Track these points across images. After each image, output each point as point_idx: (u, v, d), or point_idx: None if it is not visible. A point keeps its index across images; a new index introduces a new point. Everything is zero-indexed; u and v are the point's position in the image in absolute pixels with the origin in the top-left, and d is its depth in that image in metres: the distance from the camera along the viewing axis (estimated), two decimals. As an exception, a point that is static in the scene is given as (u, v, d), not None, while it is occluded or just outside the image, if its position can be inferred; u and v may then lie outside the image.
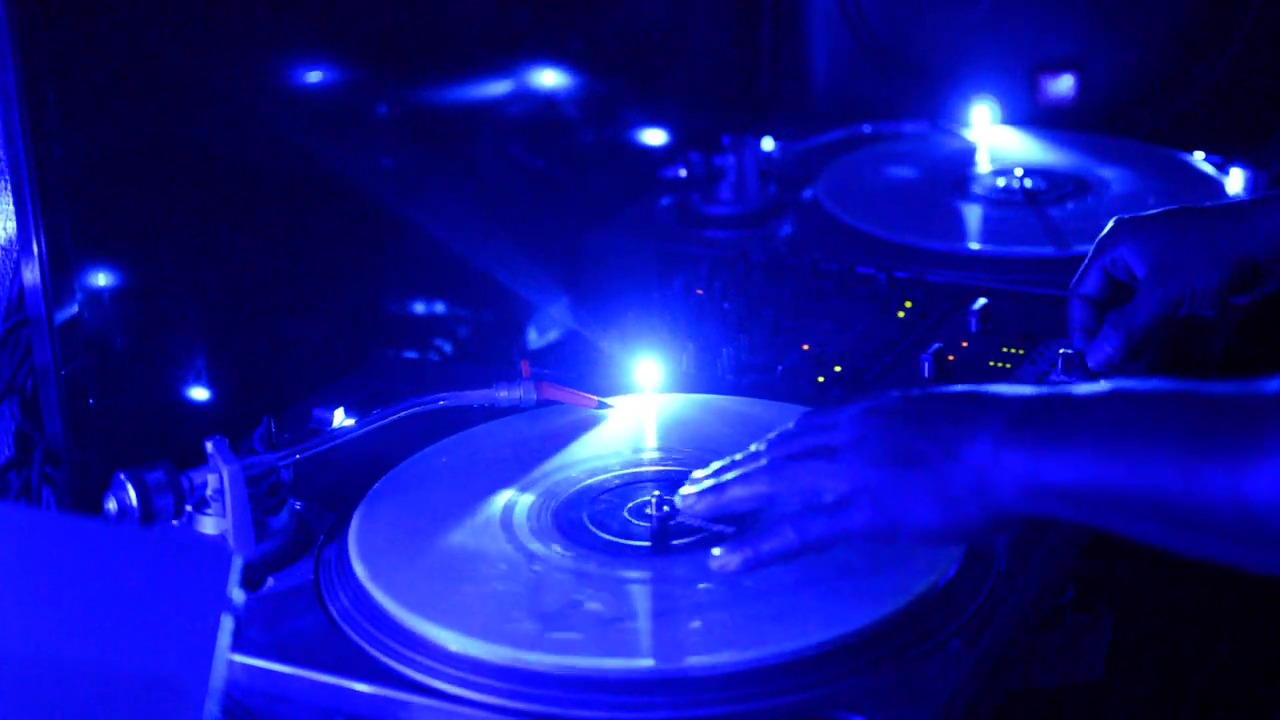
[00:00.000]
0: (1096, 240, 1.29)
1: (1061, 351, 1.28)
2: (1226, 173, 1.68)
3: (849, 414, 0.95)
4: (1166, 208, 1.28)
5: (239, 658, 0.97)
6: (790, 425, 0.99)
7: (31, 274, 1.13)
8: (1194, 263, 1.23)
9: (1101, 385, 0.87)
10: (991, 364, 1.33)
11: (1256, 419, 0.79)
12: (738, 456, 1.00)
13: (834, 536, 0.94)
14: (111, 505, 1.02)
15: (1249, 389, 0.81)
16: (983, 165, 1.77)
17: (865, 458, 0.92)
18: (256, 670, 0.98)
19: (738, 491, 0.98)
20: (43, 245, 1.13)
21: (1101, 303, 1.29)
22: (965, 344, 1.37)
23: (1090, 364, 1.26)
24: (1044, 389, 0.90)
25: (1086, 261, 1.29)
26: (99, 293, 1.18)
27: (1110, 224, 1.30)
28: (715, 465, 1.01)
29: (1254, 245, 1.22)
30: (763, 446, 0.99)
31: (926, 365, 1.31)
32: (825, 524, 0.93)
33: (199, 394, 1.28)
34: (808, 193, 1.74)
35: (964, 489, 0.89)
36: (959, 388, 0.93)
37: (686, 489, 1.01)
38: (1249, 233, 1.23)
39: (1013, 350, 1.35)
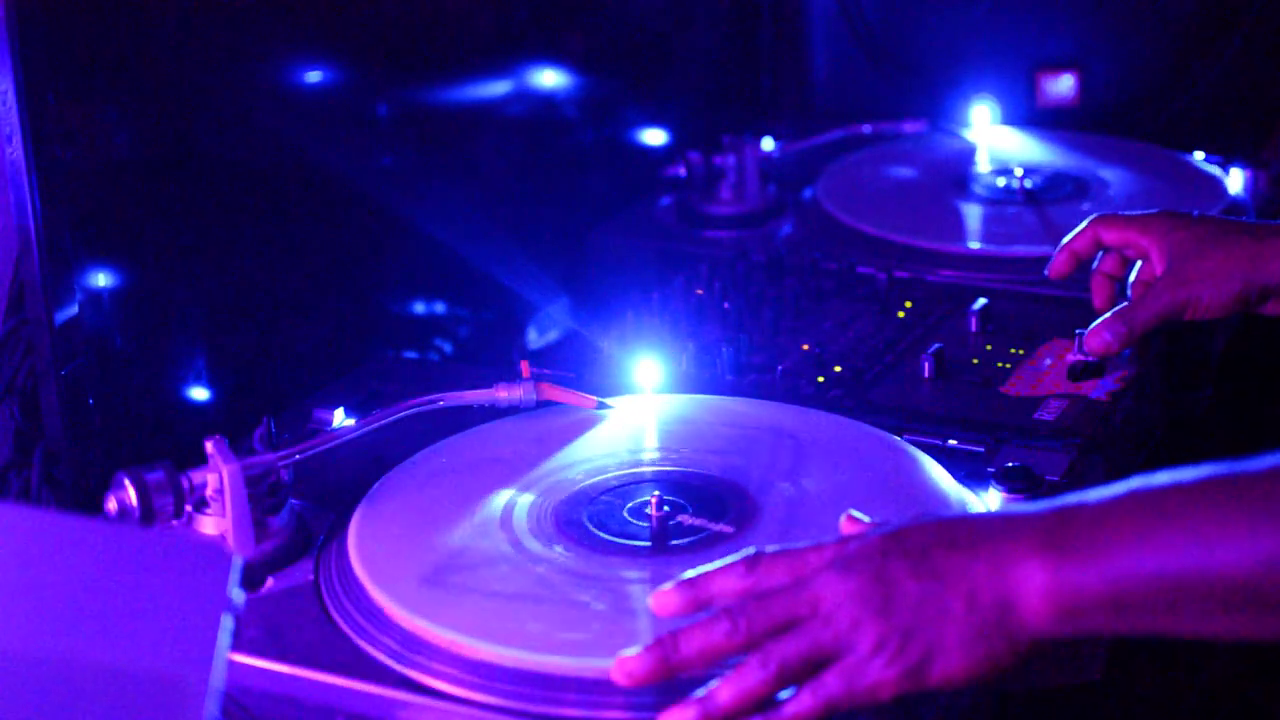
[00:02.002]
0: (1140, 215, 1.29)
1: (1077, 331, 1.28)
2: (1227, 173, 1.68)
3: (827, 571, 0.86)
4: (1200, 212, 1.28)
5: (239, 658, 0.97)
6: (744, 577, 0.88)
7: (31, 274, 1.13)
8: (1210, 275, 1.23)
9: (1116, 488, 0.83)
10: (992, 364, 1.33)
11: None
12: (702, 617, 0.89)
13: (856, 706, 0.85)
14: (111, 505, 1.02)
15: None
16: (983, 165, 1.77)
17: (873, 616, 0.84)
18: (256, 670, 0.98)
19: (726, 696, 0.86)
20: (43, 245, 1.13)
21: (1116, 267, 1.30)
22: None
23: (1087, 346, 1.25)
24: (1048, 503, 0.84)
25: (1121, 219, 1.29)
26: (99, 293, 1.18)
27: (1156, 211, 1.29)
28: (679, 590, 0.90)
29: (1268, 269, 1.23)
30: (727, 619, 0.87)
31: (926, 365, 1.31)
32: (844, 690, 0.84)
33: (199, 394, 1.28)
34: (808, 193, 1.74)
35: (987, 624, 0.82)
36: (948, 515, 0.87)
37: (664, 597, 0.91)
38: (1268, 256, 1.23)
39: (1013, 350, 1.35)
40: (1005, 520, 0.85)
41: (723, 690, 0.86)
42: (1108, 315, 1.26)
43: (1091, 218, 1.30)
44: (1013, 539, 0.83)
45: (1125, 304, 1.26)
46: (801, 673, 0.85)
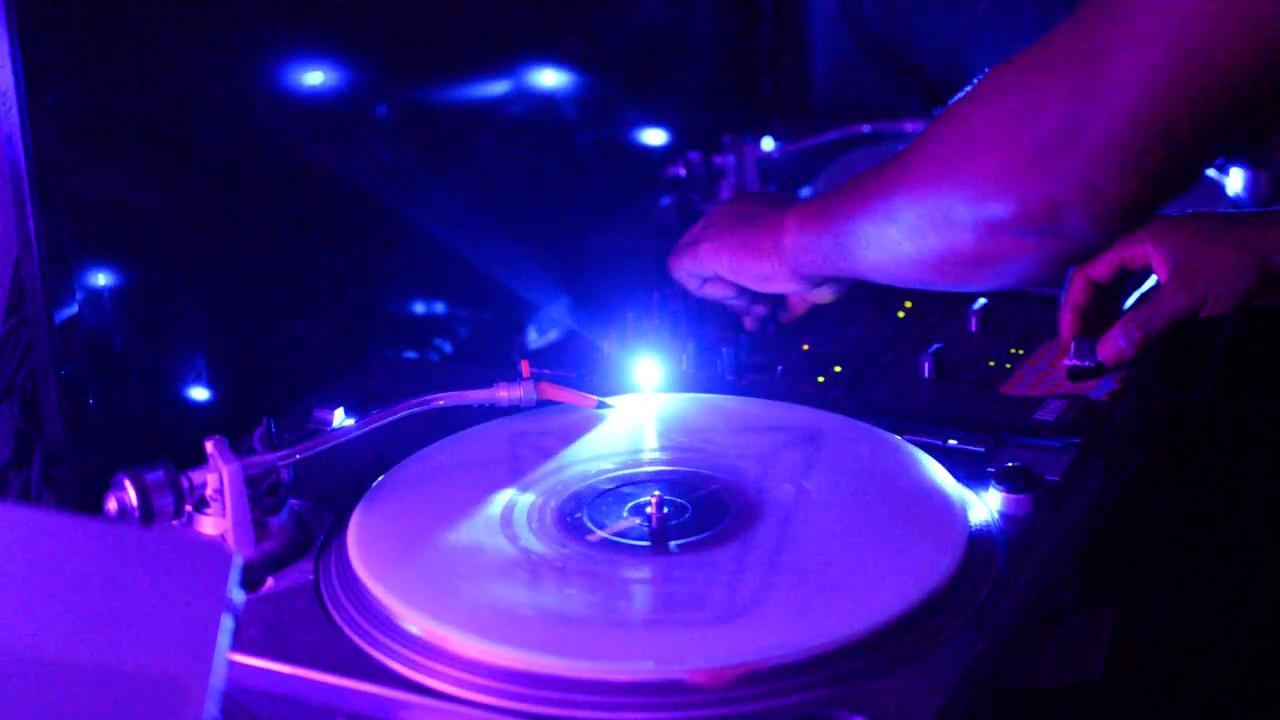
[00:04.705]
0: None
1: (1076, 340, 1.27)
2: (1226, 173, 1.67)
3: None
4: (1193, 210, 1.28)
5: (239, 658, 0.97)
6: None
7: (31, 274, 1.13)
8: (1219, 268, 1.23)
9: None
10: (991, 364, 1.33)
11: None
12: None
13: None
14: (111, 505, 1.02)
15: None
16: (983, 165, 1.77)
17: (713, 224, 1.33)
18: (256, 670, 0.98)
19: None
20: (43, 245, 1.13)
21: (1104, 287, 1.29)
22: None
23: (1100, 355, 1.24)
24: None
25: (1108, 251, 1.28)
26: (99, 293, 1.18)
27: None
28: None
29: (1278, 251, 1.23)
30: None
31: (926, 365, 1.31)
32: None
33: (199, 394, 1.28)
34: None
35: (765, 245, 1.25)
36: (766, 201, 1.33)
37: None
38: (1276, 238, 1.23)
39: (1013, 350, 1.35)
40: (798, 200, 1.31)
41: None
42: (1120, 322, 1.25)
43: (1072, 271, 1.30)
44: (792, 210, 1.24)
45: (1135, 308, 1.25)
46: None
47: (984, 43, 1.96)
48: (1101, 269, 1.28)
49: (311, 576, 1.06)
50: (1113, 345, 1.24)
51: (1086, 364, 1.23)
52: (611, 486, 1.13)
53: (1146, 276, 1.29)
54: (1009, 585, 1.02)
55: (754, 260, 1.26)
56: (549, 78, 1.67)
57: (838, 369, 1.33)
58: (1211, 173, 1.70)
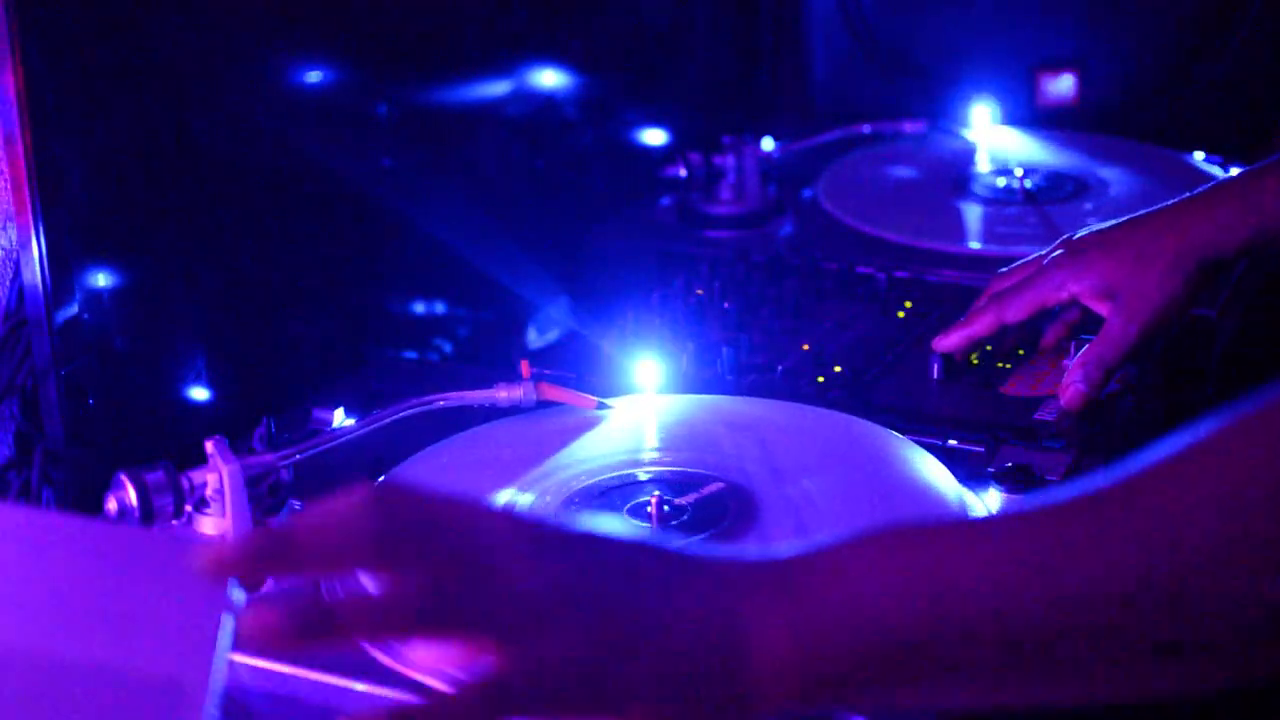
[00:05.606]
0: (1039, 270, 1.26)
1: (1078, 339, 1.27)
2: (1226, 173, 1.68)
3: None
4: (1112, 222, 1.26)
5: (239, 658, 0.97)
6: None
7: (31, 274, 1.13)
8: (1157, 279, 1.20)
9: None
10: (997, 365, 1.33)
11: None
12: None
13: None
14: (111, 505, 1.02)
15: None
16: (983, 165, 1.77)
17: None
18: (256, 670, 0.98)
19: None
20: (43, 245, 1.13)
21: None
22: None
23: (1064, 403, 1.22)
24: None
25: (1023, 289, 1.26)
26: (99, 293, 1.18)
27: (1055, 250, 1.27)
28: None
29: (1211, 239, 1.19)
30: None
31: (936, 366, 1.31)
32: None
33: (199, 394, 1.28)
34: (808, 193, 1.74)
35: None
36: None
37: None
38: (1209, 225, 1.20)
39: (1014, 351, 1.35)
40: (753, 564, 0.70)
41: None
42: (1076, 364, 1.22)
43: (989, 297, 1.29)
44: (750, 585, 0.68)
45: (1089, 349, 1.23)
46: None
47: (984, 43, 1.96)
48: (1018, 311, 1.27)
49: (311, 576, 1.06)
50: (1075, 390, 1.22)
51: (1051, 417, 1.22)
52: (612, 487, 1.13)
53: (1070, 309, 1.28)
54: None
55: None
56: (549, 78, 1.67)
57: (838, 369, 1.33)
58: (1213, 171, 1.70)
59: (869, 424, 1.20)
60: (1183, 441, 0.69)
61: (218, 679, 0.76)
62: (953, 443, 1.18)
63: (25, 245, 1.13)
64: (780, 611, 0.66)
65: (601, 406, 1.23)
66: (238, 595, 0.79)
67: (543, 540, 0.69)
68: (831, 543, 0.69)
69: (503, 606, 0.66)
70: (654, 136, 1.86)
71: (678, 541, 0.74)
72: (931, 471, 1.12)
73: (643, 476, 1.14)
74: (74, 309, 1.16)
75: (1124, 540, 0.66)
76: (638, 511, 1.08)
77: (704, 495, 1.10)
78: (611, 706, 0.66)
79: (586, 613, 0.66)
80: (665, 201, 1.75)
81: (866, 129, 1.84)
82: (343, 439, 1.13)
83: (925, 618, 0.66)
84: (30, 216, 1.12)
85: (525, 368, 1.21)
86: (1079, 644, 0.66)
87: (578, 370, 1.33)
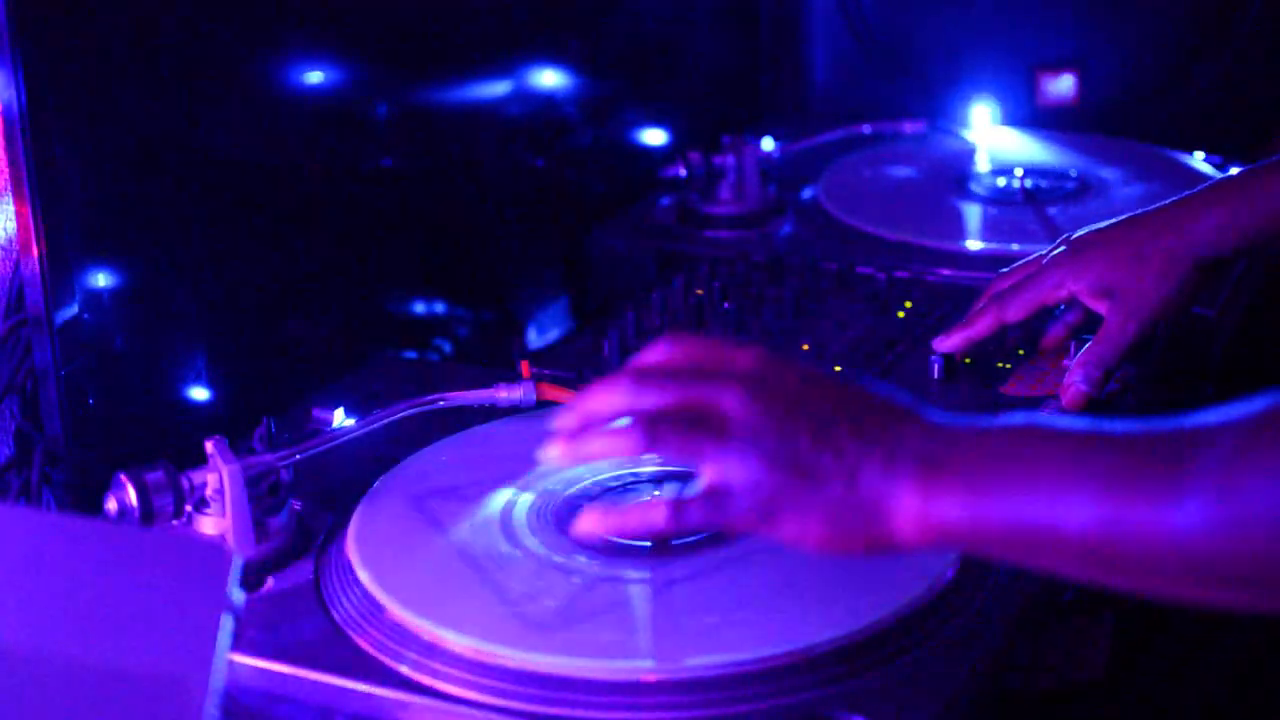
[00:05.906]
0: (1038, 270, 1.27)
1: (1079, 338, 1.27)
2: (1226, 173, 1.67)
3: (741, 385, 0.85)
4: (1111, 221, 1.27)
5: (239, 658, 0.97)
6: (658, 356, 0.89)
7: (31, 274, 1.13)
8: (1155, 278, 1.20)
9: (1017, 419, 0.83)
10: (997, 365, 1.33)
11: (1177, 455, 0.76)
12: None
13: (709, 528, 0.95)
14: (111, 505, 1.02)
15: (1169, 426, 0.78)
16: (982, 165, 1.77)
17: (760, 455, 0.83)
18: (256, 670, 0.98)
19: (598, 447, 0.89)
20: (43, 245, 1.13)
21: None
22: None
23: (1065, 403, 1.22)
24: (954, 419, 0.84)
25: (1023, 289, 1.27)
26: (99, 293, 1.18)
27: (1055, 250, 1.27)
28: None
29: (1209, 238, 1.20)
30: (627, 393, 0.88)
31: (936, 366, 1.31)
32: (702, 514, 0.85)
33: (199, 394, 1.28)
34: (808, 193, 1.74)
35: (856, 516, 0.83)
36: (866, 389, 0.86)
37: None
38: (1207, 224, 1.20)
39: (1015, 350, 1.35)
40: (906, 423, 0.84)
41: (597, 441, 0.88)
42: (1076, 364, 1.23)
43: (989, 298, 1.29)
44: (905, 449, 0.83)
45: (1089, 348, 1.23)
46: (683, 454, 0.86)
47: (984, 43, 1.96)
48: (1018, 311, 1.27)
49: (311, 576, 1.06)
50: (1075, 390, 1.22)
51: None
52: (611, 487, 1.13)
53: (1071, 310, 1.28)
54: (1009, 586, 1.02)
55: (824, 529, 0.85)
56: (549, 78, 1.67)
57: (838, 369, 1.33)
58: (1212, 171, 1.70)
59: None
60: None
61: (218, 679, 0.76)
62: (953, 443, 1.18)
63: (25, 245, 1.13)
64: (916, 487, 0.82)
65: (601, 406, 1.23)
66: (238, 595, 0.79)
67: (785, 369, 0.87)
68: (985, 427, 0.83)
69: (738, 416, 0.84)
70: (654, 136, 1.86)
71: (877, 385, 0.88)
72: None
73: (643, 476, 1.14)
74: (74, 309, 1.16)
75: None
76: (638, 511, 1.08)
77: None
78: (773, 528, 0.84)
79: (801, 438, 0.84)
80: (665, 201, 1.75)
81: (866, 129, 1.84)
82: (343, 439, 1.13)
83: (1011, 521, 0.80)
84: (31, 217, 1.12)
85: (525, 368, 1.21)
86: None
87: (578, 370, 1.33)
